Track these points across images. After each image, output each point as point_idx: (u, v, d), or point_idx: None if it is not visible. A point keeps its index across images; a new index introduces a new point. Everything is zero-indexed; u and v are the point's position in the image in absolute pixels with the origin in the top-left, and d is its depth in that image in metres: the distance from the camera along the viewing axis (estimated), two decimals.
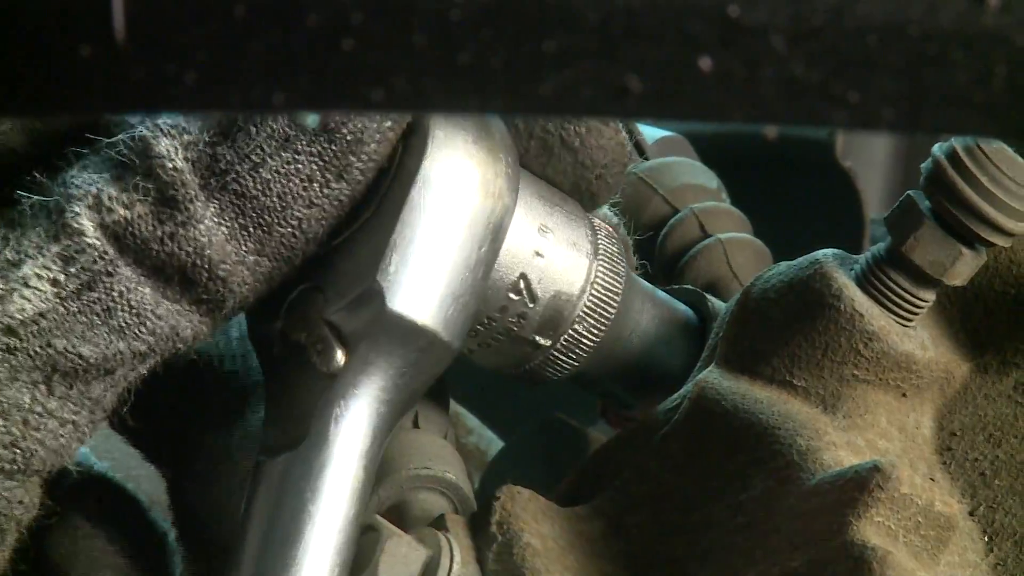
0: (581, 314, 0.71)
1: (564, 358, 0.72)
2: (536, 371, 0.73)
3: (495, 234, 0.65)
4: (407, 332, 0.63)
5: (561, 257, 0.70)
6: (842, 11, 0.35)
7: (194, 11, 0.35)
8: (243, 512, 0.62)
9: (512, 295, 0.69)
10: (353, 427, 0.62)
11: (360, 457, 0.63)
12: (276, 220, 0.60)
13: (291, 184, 0.60)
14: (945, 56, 0.36)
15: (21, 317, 0.58)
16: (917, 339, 0.67)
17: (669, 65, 0.35)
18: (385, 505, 0.68)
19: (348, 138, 0.60)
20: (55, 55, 0.35)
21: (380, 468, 0.69)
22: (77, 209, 0.59)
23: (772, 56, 0.35)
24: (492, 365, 0.73)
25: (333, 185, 0.61)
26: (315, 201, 0.61)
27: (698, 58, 0.35)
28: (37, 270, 0.58)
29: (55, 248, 0.59)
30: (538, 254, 0.69)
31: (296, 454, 0.62)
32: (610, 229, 0.74)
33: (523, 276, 0.69)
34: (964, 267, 0.66)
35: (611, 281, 0.72)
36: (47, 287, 0.58)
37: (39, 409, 0.59)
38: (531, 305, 0.69)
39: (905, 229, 0.66)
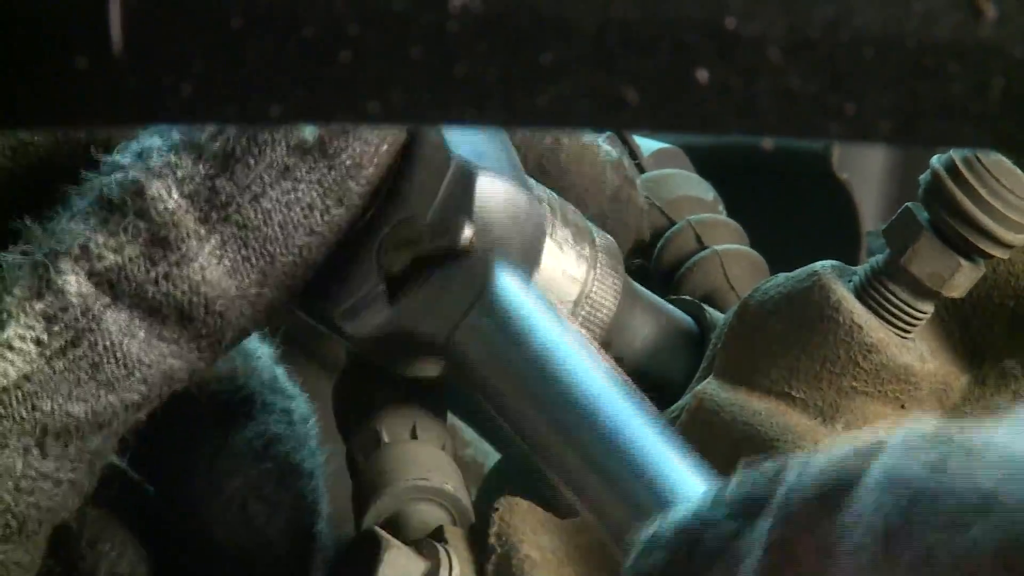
0: (579, 322, 0.71)
1: None
2: None
3: None
4: None
5: (561, 263, 0.70)
6: (838, 23, 0.35)
7: (191, 22, 0.35)
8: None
9: None
10: None
11: None
12: (279, 250, 0.60)
13: (292, 213, 0.60)
14: (941, 68, 0.36)
15: (5, 382, 0.57)
16: (916, 351, 0.67)
17: (666, 77, 0.35)
18: (383, 516, 0.68)
19: (347, 164, 0.60)
20: (50, 67, 0.35)
21: (377, 480, 0.69)
22: (62, 264, 0.58)
23: (769, 68, 0.35)
24: None
25: (333, 211, 0.61)
26: (316, 228, 0.61)
27: (695, 70, 0.35)
28: (20, 331, 0.58)
29: (38, 306, 0.58)
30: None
31: None
32: (608, 237, 0.74)
33: None
34: (962, 279, 0.66)
35: (608, 289, 0.72)
36: (31, 347, 0.58)
37: (32, 473, 0.58)
38: None
39: (904, 241, 0.66)
